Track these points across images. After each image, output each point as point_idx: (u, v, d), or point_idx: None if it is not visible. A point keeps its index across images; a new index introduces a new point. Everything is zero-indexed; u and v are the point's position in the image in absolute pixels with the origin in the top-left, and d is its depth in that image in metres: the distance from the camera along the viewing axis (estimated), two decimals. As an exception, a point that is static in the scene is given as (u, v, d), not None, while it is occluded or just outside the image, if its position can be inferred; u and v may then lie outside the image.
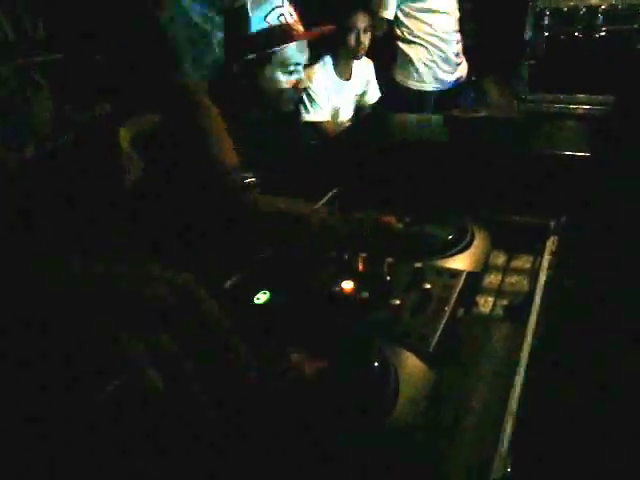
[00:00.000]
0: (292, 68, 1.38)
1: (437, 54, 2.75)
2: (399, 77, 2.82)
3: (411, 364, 0.64)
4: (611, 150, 1.12)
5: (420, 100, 2.79)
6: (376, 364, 0.62)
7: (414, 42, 2.74)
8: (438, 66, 2.78)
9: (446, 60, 2.79)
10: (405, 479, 0.52)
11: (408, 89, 2.79)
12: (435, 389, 0.62)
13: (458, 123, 1.17)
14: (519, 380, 0.61)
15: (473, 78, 3.03)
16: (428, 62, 2.76)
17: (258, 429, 0.54)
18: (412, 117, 1.56)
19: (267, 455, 0.52)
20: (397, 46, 2.79)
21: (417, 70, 2.77)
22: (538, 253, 0.91)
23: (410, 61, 2.77)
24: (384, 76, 2.78)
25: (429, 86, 2.80)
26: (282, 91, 1.38)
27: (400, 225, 0.91)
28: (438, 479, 0.55)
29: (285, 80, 1.38)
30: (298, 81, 1.41)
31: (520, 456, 0.53)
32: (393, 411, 0.58)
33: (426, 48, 2.73)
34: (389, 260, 0.80)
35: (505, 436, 0.55)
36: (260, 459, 0.52)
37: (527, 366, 0.63)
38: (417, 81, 2.79)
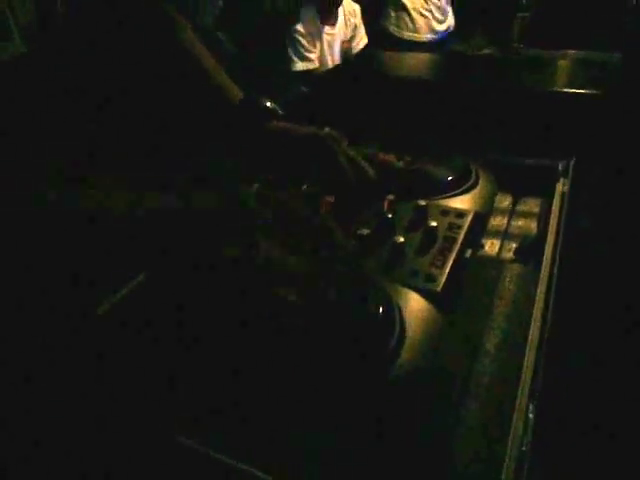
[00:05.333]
0: None
1: (433, 2, 2.62)
2: (392, 27, 2.69)
3: (418, 306, 0.58)
4: (623, 88, 1.05)
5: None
6: (379, 305, 0.55)
7: None
8: (433, 15, 2.66)
9: (439, 8, 2.67)
10: (410, 437, 0.47)
11: (401, 40, 2.67)
12: (445, 333, 0.56)
13: (461, 61, 1.09)
14: (536, 324, 0.56)
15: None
16: (424, 11, 2.63)
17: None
18: (410, 55, 1.47)
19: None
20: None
21: (413, 20, 2.64)
22: (545, 196, 0.86)
23: (405, 10, 2.64)
24: (372, 25, 2.64)
25: (424, 37, 2.68)
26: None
27: (400, 163, 0.84)
28: (448, 438, 0.50)
29: None
30: None
31: (543, 411, 0.48)
32: (398, 357, 0.52)
33: (423, -5, 2.60)
34: (390, 197, 0.73)
35: (524, 387, 0.50)
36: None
37: (544, 308, 0.57)
38: (412, 32, 2.66)
